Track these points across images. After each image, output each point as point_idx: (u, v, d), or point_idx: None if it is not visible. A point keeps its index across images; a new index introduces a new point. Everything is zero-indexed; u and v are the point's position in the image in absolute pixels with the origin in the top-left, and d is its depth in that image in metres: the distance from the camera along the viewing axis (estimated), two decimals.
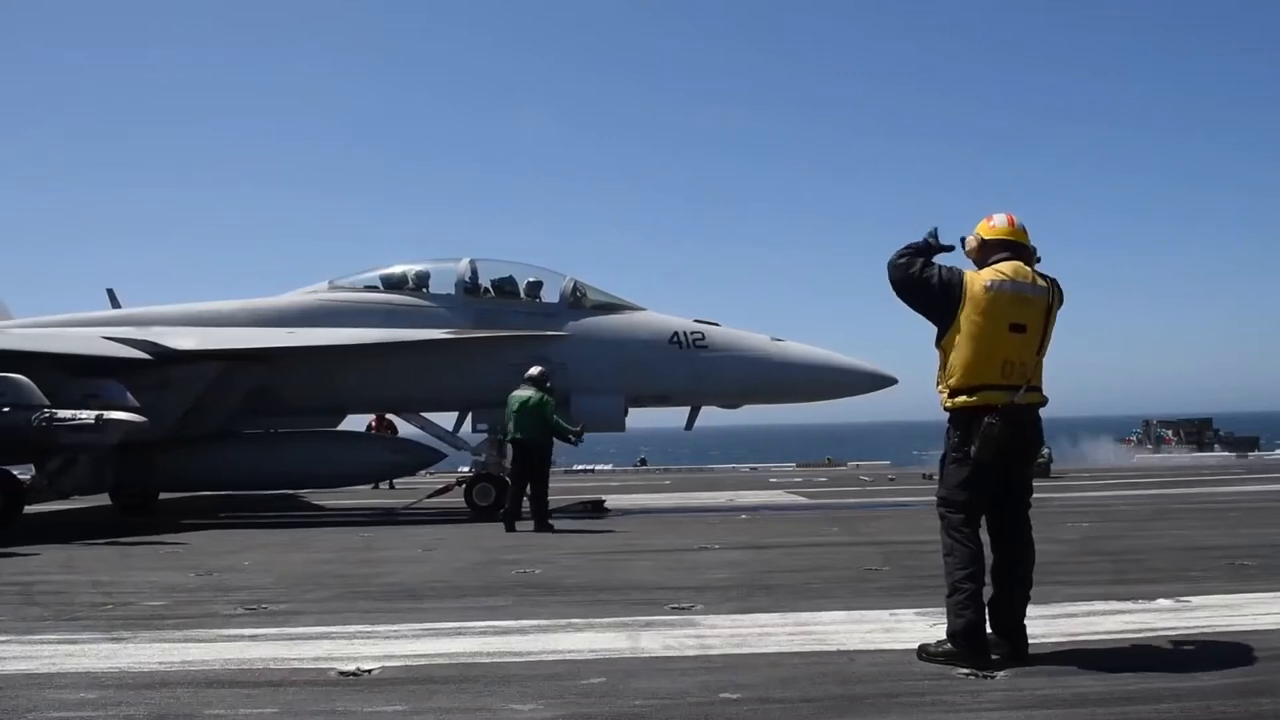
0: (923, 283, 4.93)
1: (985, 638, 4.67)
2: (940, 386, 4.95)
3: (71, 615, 6.50)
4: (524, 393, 12.30)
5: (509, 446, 12.65)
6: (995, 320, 4.76)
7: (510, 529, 11.67)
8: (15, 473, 12.58)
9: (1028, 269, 4.92)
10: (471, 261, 15.13)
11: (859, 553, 8.94)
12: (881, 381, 14.55)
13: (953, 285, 4.86)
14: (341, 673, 4.77)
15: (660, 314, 14.78)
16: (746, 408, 15.29)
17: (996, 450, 4.71)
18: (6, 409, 11.28)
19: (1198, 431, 43.33)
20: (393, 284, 15.23)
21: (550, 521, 11.97)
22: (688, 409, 15.01)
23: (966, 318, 4.80)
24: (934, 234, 5.17)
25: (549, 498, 12.33)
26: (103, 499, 15.46)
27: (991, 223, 5.06)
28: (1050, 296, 4.89)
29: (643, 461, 34.01)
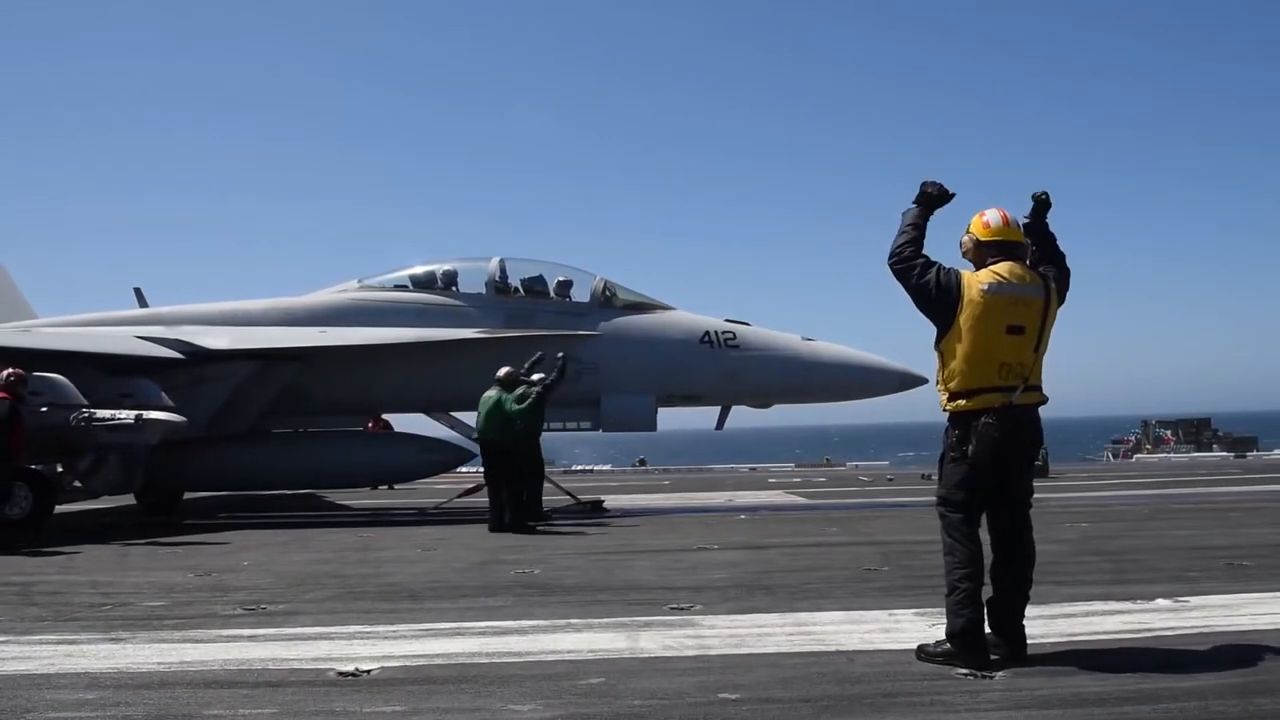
0: (920, 288, 4.89)
1: (984, 637, 4.67)
2: (939, 388, 4.93)
3: (70, 616, 6.50)
4: (489, 394, 12.36)
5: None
6: (993, 323, 4.74)
7: (494, 529, 11.67)
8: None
9: (1023, 269, 4.89)
10: (501, 261, 15.15)
11: (858, 553, 8.94)
12: (911, 381, 14.47)
13: (950, 289, 4.82)
14: (340, 673, 4.77)
15: (691, 313, 14.76)
16: (740, 409, 15.28)
17: (993, 451, 4.70)
18: (45, 408, 11.28)
19: (1196, 431, 43.35)
20: (422, 283, 15.26)
21: (530, 523, 11.91)
22: (717, 409, 14.99)
23: (964, 321, 4.77)
24: (933, 186, 5.05)
25: (543, 497, 12.53)
26: (127, 498, 15.45)
27: (985, 220, 4.98)
28: (1047, 295, 4.85)
29: (641, 462, 33.99)
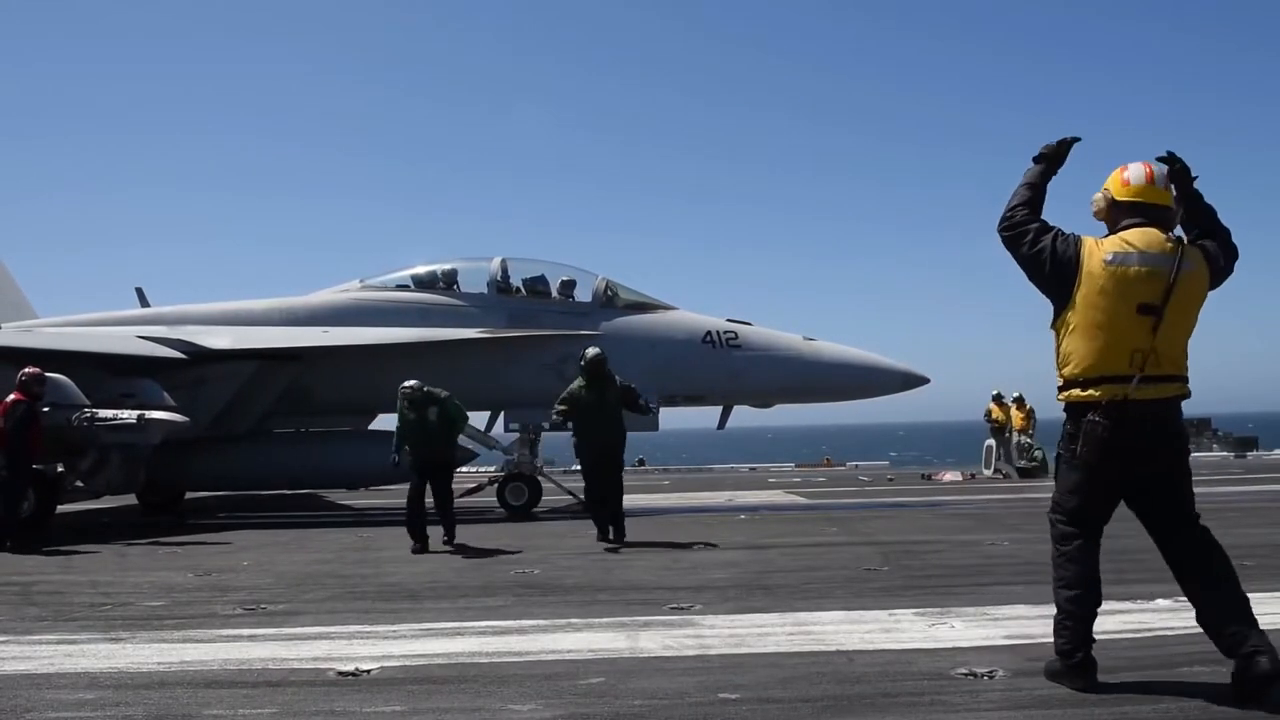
0: (1033, 258, 4.20)
1: (1086, 659, 4.16)
2: (1058, 375, 4.26)
3: (70, 616, 6.50)
4: (409, 411, 10.88)
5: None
6: (1118, 300, 4.03)
7: (425, 549, 10.01)
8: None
9: (1162, 237, 4.11)
10: (503, 261, 15.18)
11: (857, 553, 8.94)
12: (914, 381, 14.57)
13: (1066, 261, 4.13)
14: (340, 673, 4.77)
15: (693, 313, 14.79)
16: (739, 408, 15.29)
17: (1103, 452, 4.04)
18: (47, 408, 11.34)
19: (1196, 431, 43.29)
20: (424, 283, 15.31)
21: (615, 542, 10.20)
22: (719, 409, 15.01)
23: (1084, 298, 4.07)
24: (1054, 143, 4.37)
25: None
26: (128, 498, 15.47)
27: (1124, 176, 4.22)
28: (1177, 269, 4.03)
29: (641, 462, 33.94)
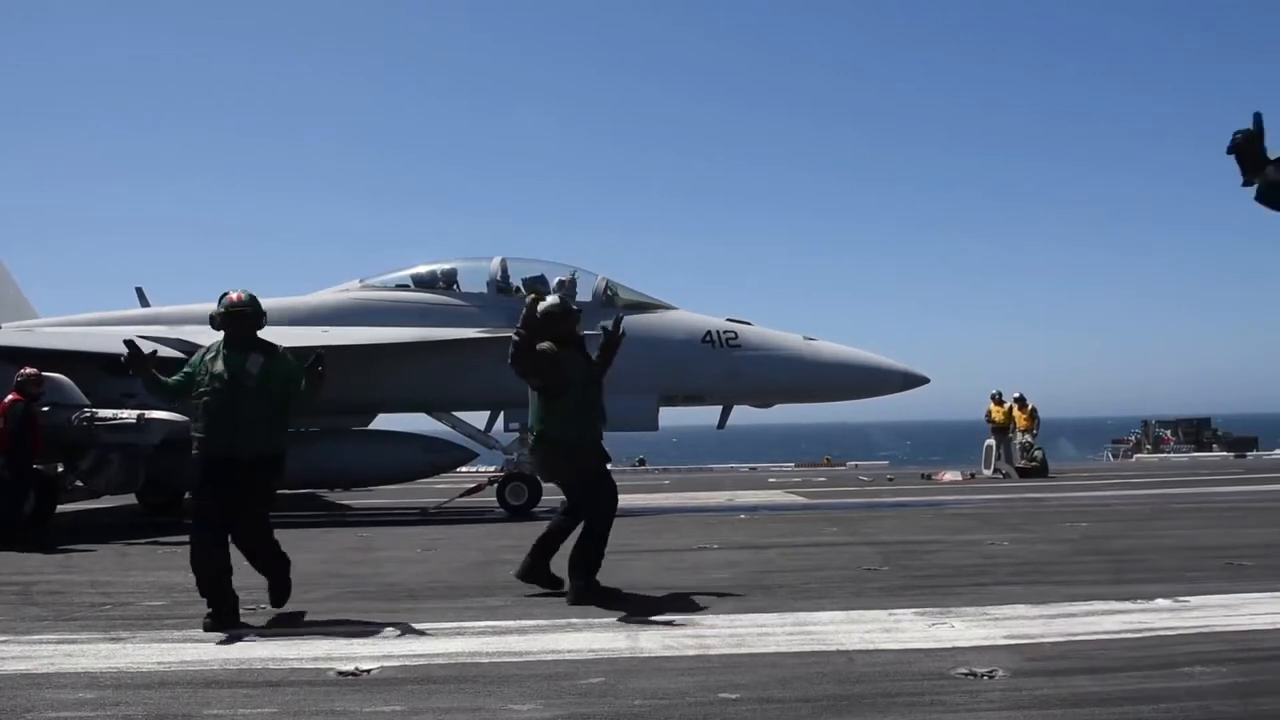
0: None
1: None
2: None
3: (70, 615, 6.50)
4: (218, 362, 6.38)
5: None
6: None
7: (218, 625, 5.83)
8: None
9: None
10: (503, 260, 15.20)
11: (857, 553, 8.93)
12: (913, 381, 14.63)
13: None
14: (340, 673, 4.77)
15: (692, 313, 14.81)
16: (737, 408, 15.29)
17: None
18: (47, 408, 11.35)
19: (1196, 431, 43.30)
20: (424, 283, 15.34)
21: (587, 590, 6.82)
22: (719, 408, 15.02)
23: None
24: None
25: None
26: (128, 498, 15.46)
27: None
28: None
29: (641, 461, 33.92)
